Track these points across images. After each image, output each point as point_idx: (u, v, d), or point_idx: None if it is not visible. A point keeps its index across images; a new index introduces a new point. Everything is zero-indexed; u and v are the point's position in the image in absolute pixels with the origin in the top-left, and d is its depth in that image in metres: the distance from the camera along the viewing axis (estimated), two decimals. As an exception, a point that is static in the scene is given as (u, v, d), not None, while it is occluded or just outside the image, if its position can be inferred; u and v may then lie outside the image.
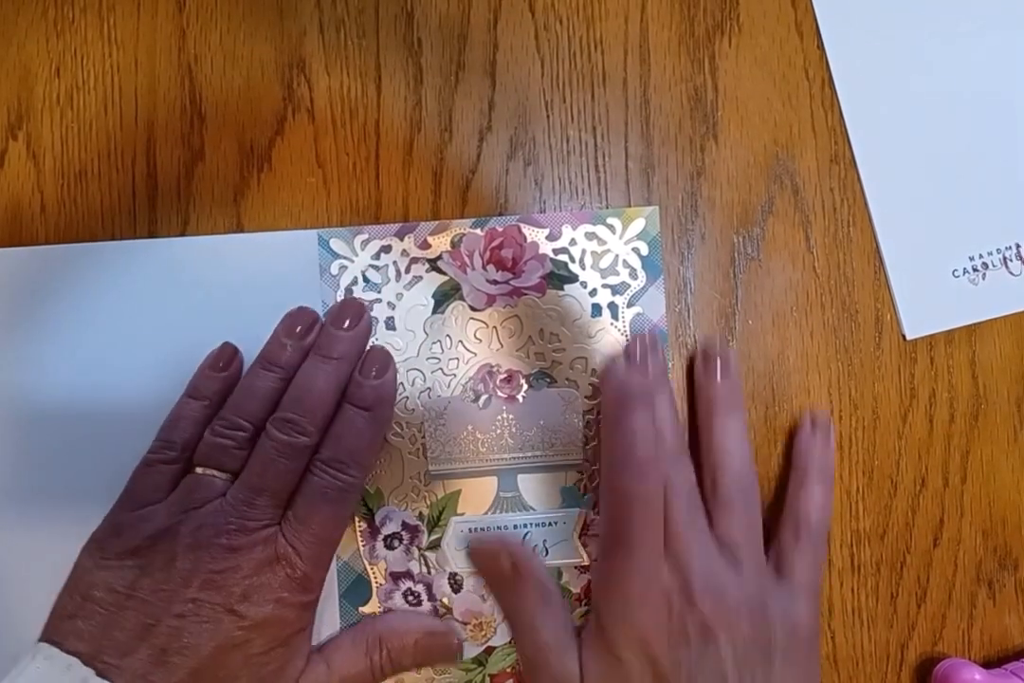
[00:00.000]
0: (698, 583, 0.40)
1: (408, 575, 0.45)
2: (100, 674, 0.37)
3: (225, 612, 0.39)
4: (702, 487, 0.43)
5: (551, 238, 0.47)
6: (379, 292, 0.46)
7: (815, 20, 0.49)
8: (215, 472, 0.42)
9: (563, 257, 0.47)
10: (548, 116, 0.48)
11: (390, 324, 0.46)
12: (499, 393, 0.46)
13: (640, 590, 0.40)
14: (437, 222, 0.47)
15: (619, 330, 0.46)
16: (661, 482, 0.41)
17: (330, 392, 0.42)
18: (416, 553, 0.45)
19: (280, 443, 0.41)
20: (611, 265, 0.47)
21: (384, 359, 0.44)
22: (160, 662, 0.38)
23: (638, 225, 0.47)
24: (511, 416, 0.46)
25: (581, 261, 0.47)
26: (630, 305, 0.47)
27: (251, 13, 0.49)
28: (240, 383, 0.44)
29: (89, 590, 0.40)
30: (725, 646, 0.39)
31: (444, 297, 0.46)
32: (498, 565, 0.43)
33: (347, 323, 0.44)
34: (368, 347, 0.45)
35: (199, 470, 0.42)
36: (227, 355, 0.45)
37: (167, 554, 0.40)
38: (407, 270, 0.47)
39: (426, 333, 0.46)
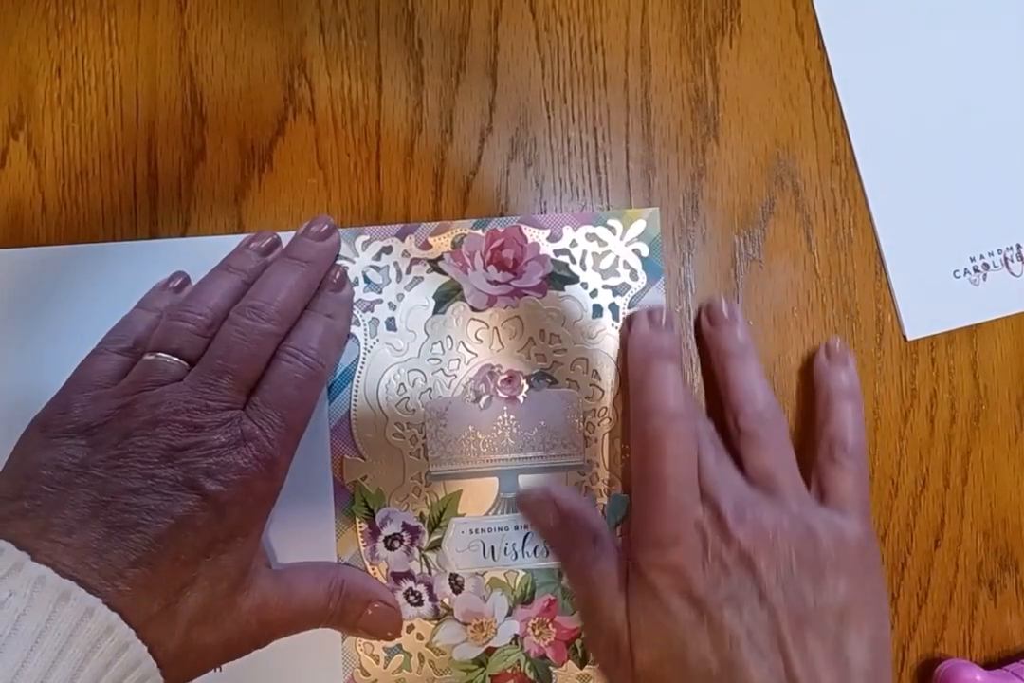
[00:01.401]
0: (730, 514, 0.39)
1: (409, 575, 0.45)
2: (42, 553, 0.34)
3: (187, 489, 0.37)
4: (727, 429, 0.43)
5: (552, 239, 0.47)
6: (380, 293, 0.46)
7: (816, 21, 0.49)
8: (170, 357, 0.40)
9: (564, 258, 0.47)
10: (549, 117, 0.48)
11: (391, 324, 0.46)
12: (500, 394, 0.46)
13: (672, 527, 0.39)
14: (438, 223, 0.47)
15: (620, 331, 0.46)
16: (691, 426, 0.41)
17: (298, 289, 0.43)
18: (417, 554, 0.45)
19: (244, 327, 0.40)
20: (612, 266, 0.47)
21: (343, 277, 0.46)
22: (115, 538, 0.35)
23: (639, 226, 0.47)
24: (512, 417, 0.46)
25: (582, 262, 0.47)
26: (631, 306, 0.47)
27: (252, 13, 0.49)
28: (199, 281, 0.44)
29: (35, 470, 0.37)
30: (767, 571, 0.37)
31: (445, 298, 0.46)
32: (545, 517, 0.43)
33: (323, 230, 0.45)
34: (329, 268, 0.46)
35: (151, 356, 0.40)
36: (180, 279, 0.46)
37: (121, 430, 0.38)
38: (408, 271, 0.47)
39: (427, 334, 0.46)
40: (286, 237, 0.46)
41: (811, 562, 0.38)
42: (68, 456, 0.37)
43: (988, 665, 0.46)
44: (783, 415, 0.44)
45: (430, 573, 0.45)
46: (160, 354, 0.40)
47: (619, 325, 0.46)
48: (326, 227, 0.45)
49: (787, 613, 0.37)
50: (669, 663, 0.37)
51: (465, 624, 0.45)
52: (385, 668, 0.45)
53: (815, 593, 0.38)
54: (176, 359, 0.40)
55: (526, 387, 0.46)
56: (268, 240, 0.45)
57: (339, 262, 0.46)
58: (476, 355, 0.46)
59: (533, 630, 0.45)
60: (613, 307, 0.47)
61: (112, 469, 0.37)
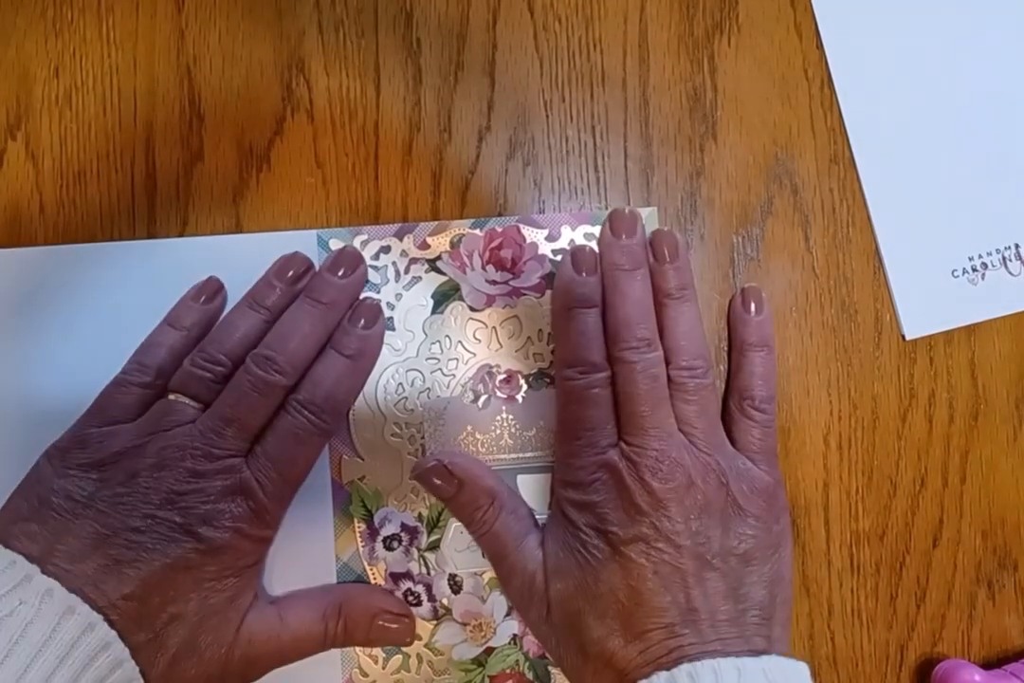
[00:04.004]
0: (649, 460, 0.40)
1: (408, 576, 0.45)
2: (48, 570, 0.37)
3: (182, 533, 0.39)
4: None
5: (550, 238, 0.47)
6: (378, 292, 0.46)
7: (814, 20, 0.49)
8: (188, 400, 0.42)
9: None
10: (547, 116, 0.48)
11: (389, 324, 0.46)
12: (498, 393, 0.46)
13: (591, 471, 0.41)
14: (436, 222, 0.47)
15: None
16: (606, 376, 0.42)
17: (314, 335, 0.43)
18: (415, 554, 0.45)
19: (256, 377, 0.41)
20: (610, 265, 0.47)
21: (374, 312, 0.45)
22: (112, 571, 0.38)
23: (637, 225, 0.47)
24: (511, 416, 0.46)
25: (580, 261, 0.47)
26: (629, 305, 0.47)
27: (250, 13, 0.48)
28: (224, 318, 0.44)
29: (47, 495, 0.39)
30: (677, 516, 0.40)
31: (443, 297, 0.46)
32: (443, 486, 0.44)
33: (342, 271, 0.44)
34: (360, 299, 0.46)
35: (172, 397, 0.42)
36: (211, 288, 0.45)
37: (130, 470, 0.40)
38: (406, 270, 0.46)
39: (425, 333, 0.46)
40: (285, 237, 0.46)
41: (720, 509, 0.41)
42: (78, 488, 0.40)
43: (987, 665, 0.46)
44: (711, 366, 0.44)
45: (429, 573, 0.45)
46: (180, 397, 0.42)
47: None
48: (349, 262, 0.45)
49: (692, 554, 0.39)
50: (581, 593, 0.40)
51: (464, 624, 0.45)
52: (384, 668, 0.45)
53: (721, 537, 0.40)
54: (194, 403, 0.42)
55: (525, 387, 0.46)
56: (296, 270, 0.45)
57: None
58: (474, 355, 0.46)
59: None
60: (611, 307, 0.47)
61: (116, 505, 0.39)
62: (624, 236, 0.44)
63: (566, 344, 0.43)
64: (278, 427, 0.42)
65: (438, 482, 0.43)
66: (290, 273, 0.44)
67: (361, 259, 0.45)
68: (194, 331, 0.44)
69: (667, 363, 0.43)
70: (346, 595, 0.44)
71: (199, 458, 0.40)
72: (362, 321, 0.44)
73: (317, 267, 0.45)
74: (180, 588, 0.39)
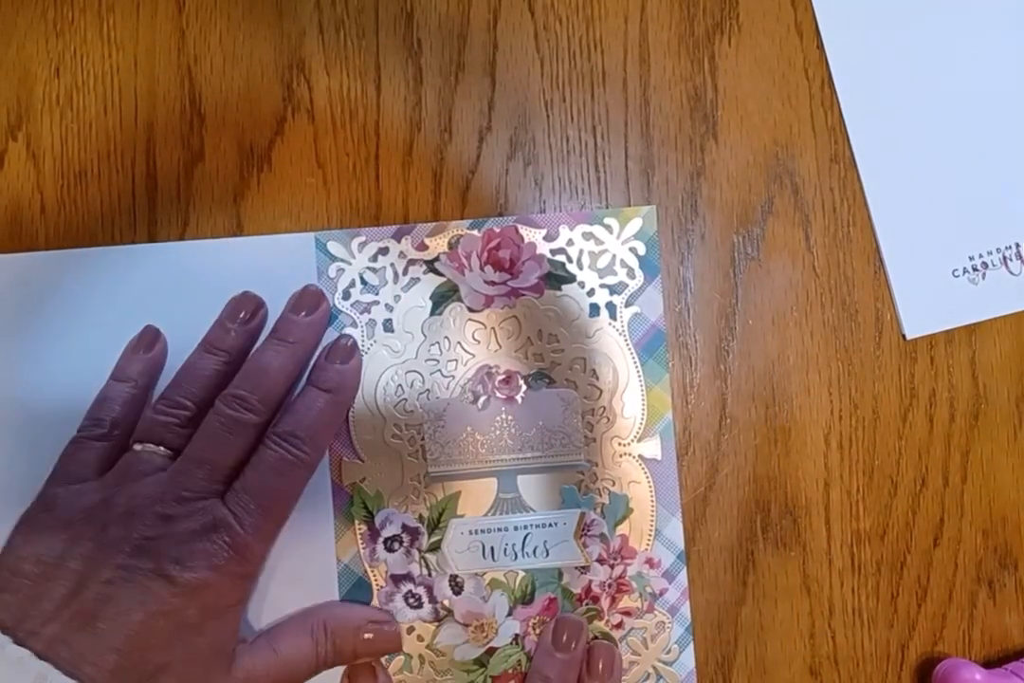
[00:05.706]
0: None
1: (409, 577, 0.45)
2: (18, 642, 0.36)
3: (156, 577, 0.38)
4: None
5: (548, 238, 0.47)
6: (377, 294, 0.46)
7: (815, 20, 0.49)
8: (155, 448, 0.42)
9: (561, 257, 0.47)
10: (548, 116, 0.48)
11: (388, 326, 0.46)
12: (498, 394, 0.46)
13: None
14: (434, 223, 0.47)
15: (617, 330, 0.46)
16: None
17: (283, 373, 0.43)
18: (416, 555, 0.45)
19: (226, 418, 0.41)
20: (609, 265, 0.47)
21: (349, 349, 0.45)
22: (85, 627, 0.37)
23: (635, 225, 0.47)
24: (510, 417, 0.46)
25: (579, 261, 0.47)
26: (628, 305, 0.47)
27: (251, 13, 0.48)
28: (183, 365, 0.44)
29: (17, 564, 0.39)
30: None
31: (442, 298, 0.46)
32: None
33: (304, 311, 0.45)
34: (336, 337, 0.46)
35: (137, 447, 0.42)
36: (149, 337, 0.46)
37: (99, 523, 0.39)
38: (405, 272, 0.47)
39: (424, 335, 0.46)
40: (283, 240, 0.46)
41: None
42: (49, 550, 0.39)
43: (987, 664, 0.46)
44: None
45: (430, 575, 0.45)
46: (147, 445, 0.42)
47: (617, 324, 0.46)
48: (310, 301, 0.45)
49: None
50: None
51: (465, 625, 0.45)
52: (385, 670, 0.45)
53: None
54: (161, 449, 0.42)
55: (524, 387, 0.46)
56: (248, 309, 0.45)
57: (336, 264, 0.46)
58: (474, 356, 0.46)
59: (534, 629, 0.46)
60: (610, 306, 0.47)
61: (87, 561, 0.39)
62: None
63: None
64: (256, 461, 0.41)
65: None
66: (242, 314, 0.45)
67: (323, 297, 0.46)
68: (141, 381, 0.44)
69: None
70: (328, 612, 0.44)
71: (169, 502, 0.40)
72: (338, 359, 0.45)
73: (315, 268, 0.45)
74: (160, 636, 0.38)
